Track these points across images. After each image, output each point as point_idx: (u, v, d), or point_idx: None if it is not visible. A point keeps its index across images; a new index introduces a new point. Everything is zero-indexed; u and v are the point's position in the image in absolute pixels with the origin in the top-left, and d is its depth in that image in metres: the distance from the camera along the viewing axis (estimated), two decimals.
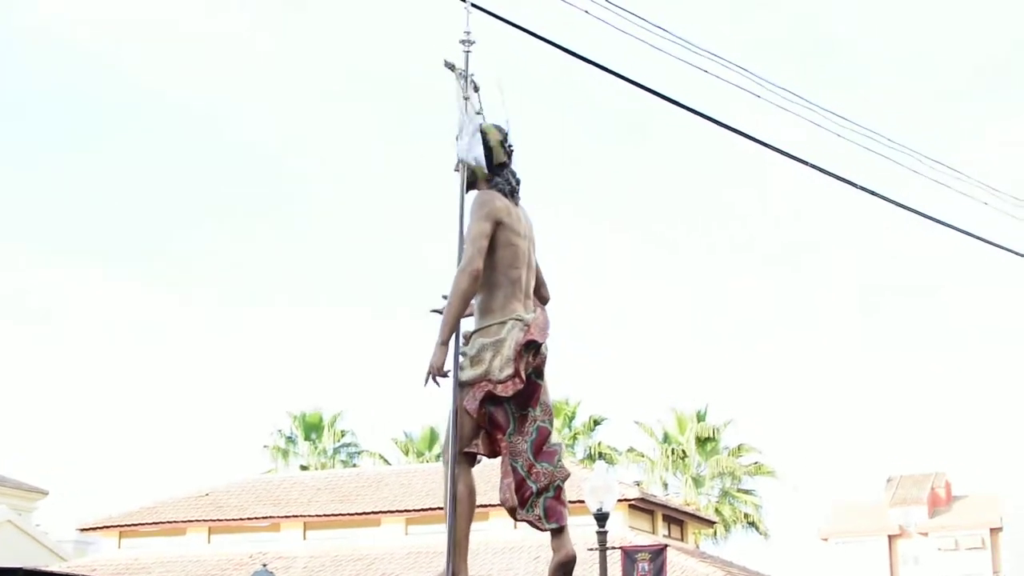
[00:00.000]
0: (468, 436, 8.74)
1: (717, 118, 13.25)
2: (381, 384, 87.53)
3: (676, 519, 41.27)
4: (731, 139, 13.34)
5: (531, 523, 8.94)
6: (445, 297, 8.89)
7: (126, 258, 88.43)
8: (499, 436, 8.81)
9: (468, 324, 8.93)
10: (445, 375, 8.55)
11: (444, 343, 8.56)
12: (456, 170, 9.06)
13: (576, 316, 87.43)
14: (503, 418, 8.79)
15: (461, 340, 8.82)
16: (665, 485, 58.32)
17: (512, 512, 8.90)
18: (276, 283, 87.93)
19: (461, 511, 8.70)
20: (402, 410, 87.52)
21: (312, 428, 62.95)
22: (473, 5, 9.45)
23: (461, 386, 8.70)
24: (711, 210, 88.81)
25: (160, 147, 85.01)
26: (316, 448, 62.36)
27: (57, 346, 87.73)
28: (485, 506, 39.77)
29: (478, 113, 9.07)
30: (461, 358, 8.72)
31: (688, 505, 50.29)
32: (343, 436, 63.42)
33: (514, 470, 8.84)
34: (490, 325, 8.74)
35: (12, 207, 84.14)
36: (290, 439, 63.16)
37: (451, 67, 9.10)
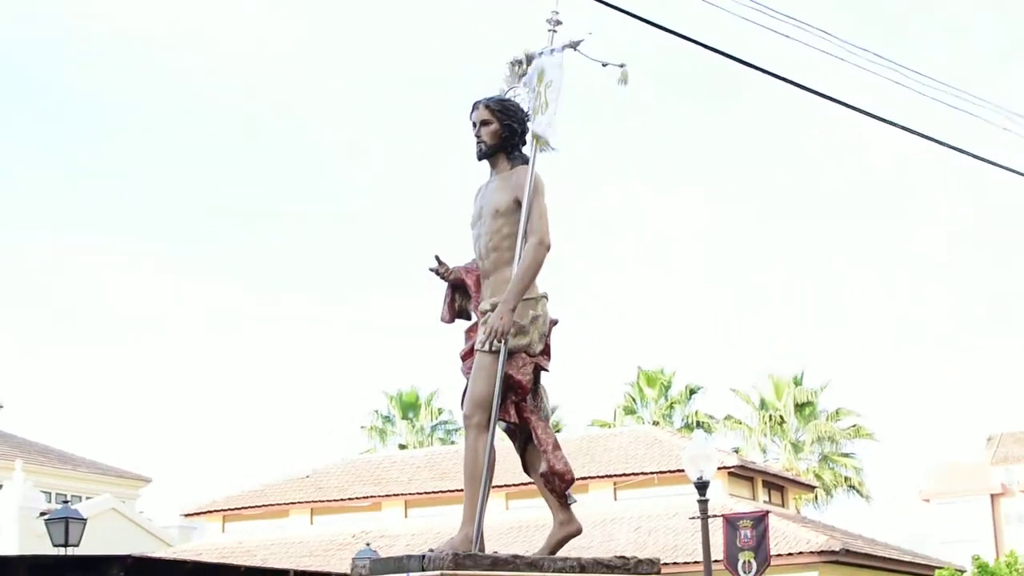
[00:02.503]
0: (499, 404, 8.87)
1: (809, 85, 13.18)
2: None
3: (776, 485, 41.15)
4: (815, 101, 13.28)
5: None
6: (438, 258, 9.29)
7: (220, 250, 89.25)
8: (526, 407, 8.99)
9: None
10: (505, 341, 8.70)
11: (514, 310, 8.71)
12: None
13: (669, 285, 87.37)
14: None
15: (487, 307, 8.94)
16: (764, 451, 58.17)
17: (571, 483, 9.15)
18: (368, 265, 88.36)
19: (490, 476, 8.86)
20: None
21: (409, 407, 63.30)
22: None
23: (509, 355, 8.81)
24: (800, 172, 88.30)
25: (242, 140, 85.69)
26: (414, 427, 62.70)
27: (159, 336, 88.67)
28: (584, 478, 39.78)
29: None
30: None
31: (788, 471, 50.13)
32: (440, 414, 63.71)
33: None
34: (532, 298, 8.91)
35: (97, 200, 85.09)
36: (387, 419, 63.54)
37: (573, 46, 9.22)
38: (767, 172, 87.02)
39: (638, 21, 11.36)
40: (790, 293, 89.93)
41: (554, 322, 9.08)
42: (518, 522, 35.77)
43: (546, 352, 9.02)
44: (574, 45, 9.14)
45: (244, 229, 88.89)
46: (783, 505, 40.56)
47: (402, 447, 59.50)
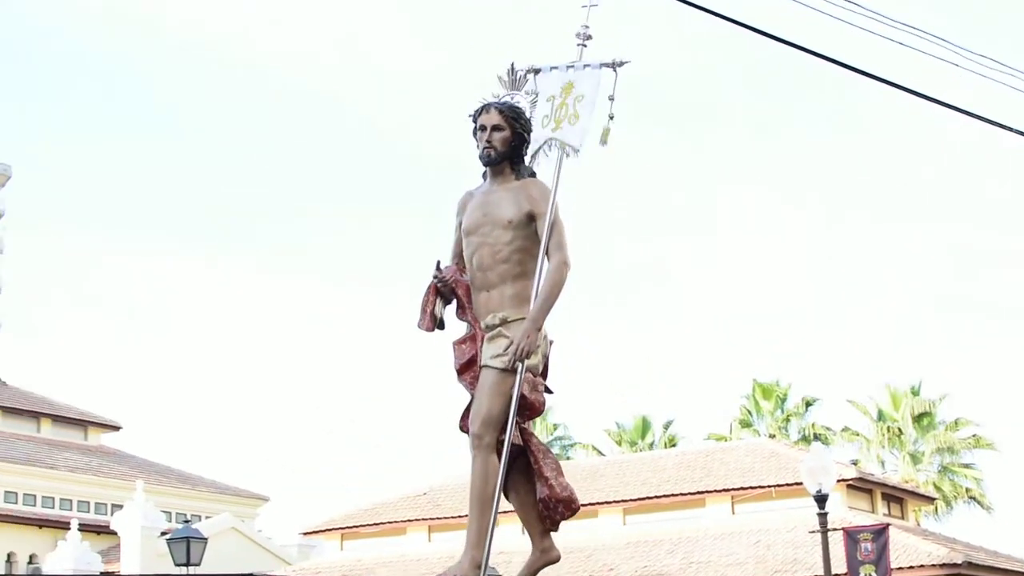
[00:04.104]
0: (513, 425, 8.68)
1: (926, 93, 13.05)
2: (590, 375, 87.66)
3: (895, 497, 40.75)
4: (931, 108, 13.15)
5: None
6: (438, 265, 8.83)
7: (341, 265, 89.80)
8: (527, 429, 8.83)
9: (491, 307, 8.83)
10: (525, 360, 8.45)
11: (540, 329, 8.49)
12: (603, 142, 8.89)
13: (784, 296, 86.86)
14: None
15: (495, 322, 8.68)
16: (882, 463, 57.64)
17: (576, 511, 9.00)
18: None
19: (499, 500, 8.71)
20: (612, 400, 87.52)
21: None
22: None
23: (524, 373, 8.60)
24: (917, 178, 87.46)
25: (331, 141, 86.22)
26: None
27: (276, 356, 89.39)
28: (702, 492, 39.58)
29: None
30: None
31: (907, 482, 49.63)
32: (555, 429, 63.72)
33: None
34: None
35: (216, 218, 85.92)
36: None
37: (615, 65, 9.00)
38: (885, 178, 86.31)
39: (751, 31, 11.31)
40: (907, 302, 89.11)
41: (551, 342, 8.86)
42: (636, 537, 35.64)
43: (544, 373, 8.80)
44: (615, 65, 8.79)
45: (352, 238, 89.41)
46: (902, 517, 40.15)
47: None
